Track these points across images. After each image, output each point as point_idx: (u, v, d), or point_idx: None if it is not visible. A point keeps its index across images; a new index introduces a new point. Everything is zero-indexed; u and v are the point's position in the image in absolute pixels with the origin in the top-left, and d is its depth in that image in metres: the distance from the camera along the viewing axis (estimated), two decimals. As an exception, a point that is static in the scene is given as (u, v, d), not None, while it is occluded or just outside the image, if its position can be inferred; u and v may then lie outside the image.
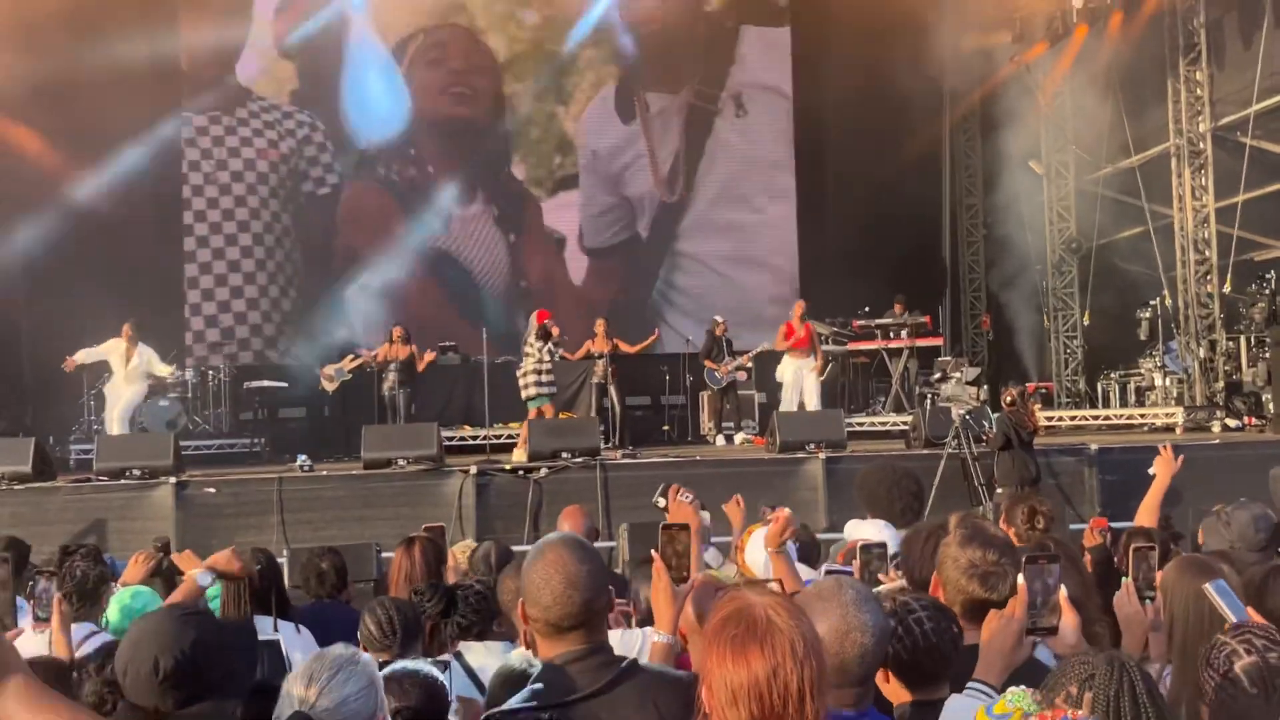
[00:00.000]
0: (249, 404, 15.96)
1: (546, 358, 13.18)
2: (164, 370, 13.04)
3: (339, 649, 2.41)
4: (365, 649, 3.70)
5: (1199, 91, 15.77)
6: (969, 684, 2.52)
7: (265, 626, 4.28)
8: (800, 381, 14.21)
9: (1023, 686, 2.06)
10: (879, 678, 2.65)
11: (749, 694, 1.80)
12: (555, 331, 13.29)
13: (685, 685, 2.38)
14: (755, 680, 1.81)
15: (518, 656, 3.21)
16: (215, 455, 14.21)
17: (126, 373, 12.63)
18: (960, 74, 18.18)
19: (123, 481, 10.92)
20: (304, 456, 11.95)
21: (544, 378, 13.19)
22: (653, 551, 2.94)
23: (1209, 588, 2.89)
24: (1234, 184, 14.86)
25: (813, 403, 14.00)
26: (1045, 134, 18.37)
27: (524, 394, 13.21)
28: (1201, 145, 15.79)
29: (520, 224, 18.45)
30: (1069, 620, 2.65)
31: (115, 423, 12.63)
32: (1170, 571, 3.35)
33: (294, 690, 2.30)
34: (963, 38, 17.32)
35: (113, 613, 4.60)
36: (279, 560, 5.35)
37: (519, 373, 13.37)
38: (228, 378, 15.83)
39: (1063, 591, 2.64)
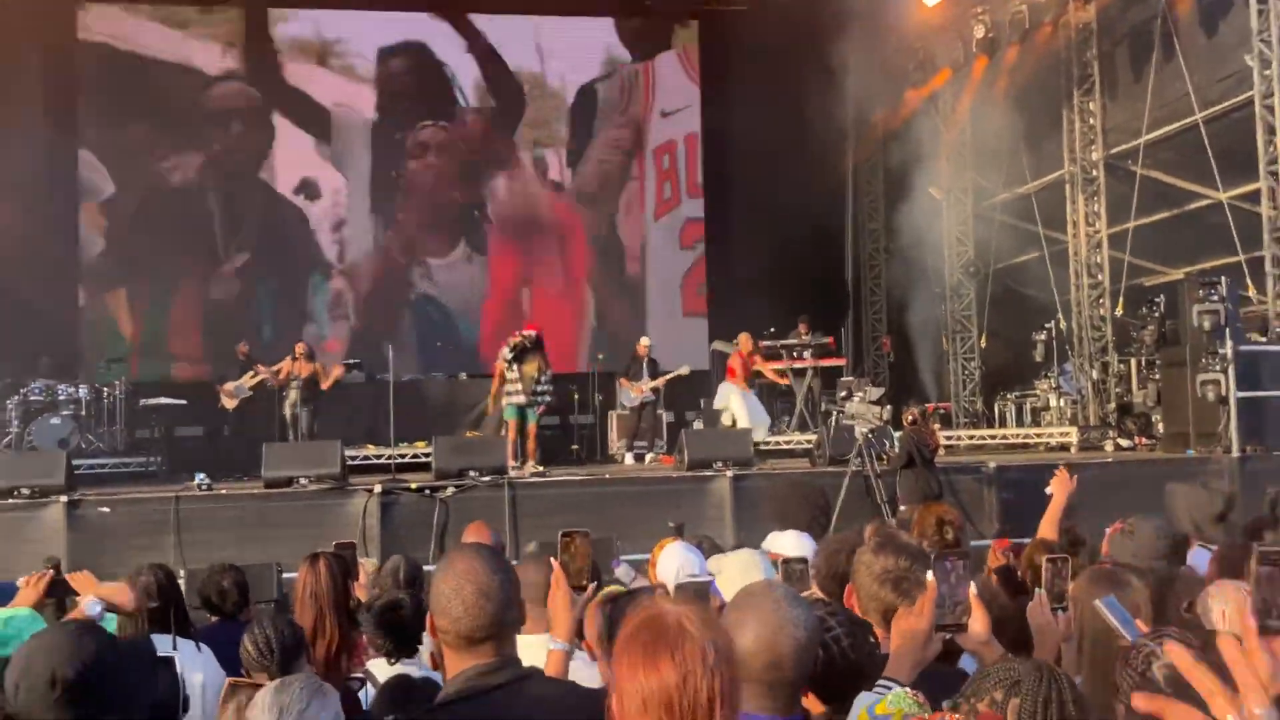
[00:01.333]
0: (145, 421, 15.54)
1: (509, 366, 12.99)
2: None
3: (303, 679, 2.33)
4: (245, 670, 3.65)
5: (1092, 121, 16.29)
6: (878, 682, 2.53)
7: (164, 645, 4.15)
8: (748, 402, 14.70)
9: (906, 689, 2.07)
10: None
11: (659, 702, 1.78)
12: (513, 341, 13.04)
13: (593, 697, 2.37)
14: (665, 688, 1.78)
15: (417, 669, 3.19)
16: (110, 474, 13.80)
17: None
18: (865, 100, 18.56)
19: (11, 501, 10.53)
20: (202, 475, 11.67)
21: (509, 388, 13.02)
22: (551, 559, 2.93)
23: (1100, 604, 2.94)
24: (1125, 211, 15.36)
25: (744, 420, 14.29)
26: (946, 160, 18.79)
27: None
28: (1095, 173, 16.29)
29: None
30: (978, 617, 2.67)
31: None
32: (1081, 583, 3.41)
33: None
34: (868, 64, 17.69)
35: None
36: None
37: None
38: (123, 394, 15.40)
39: (972, 589, 2.66)
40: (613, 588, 3.37)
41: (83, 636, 2.52)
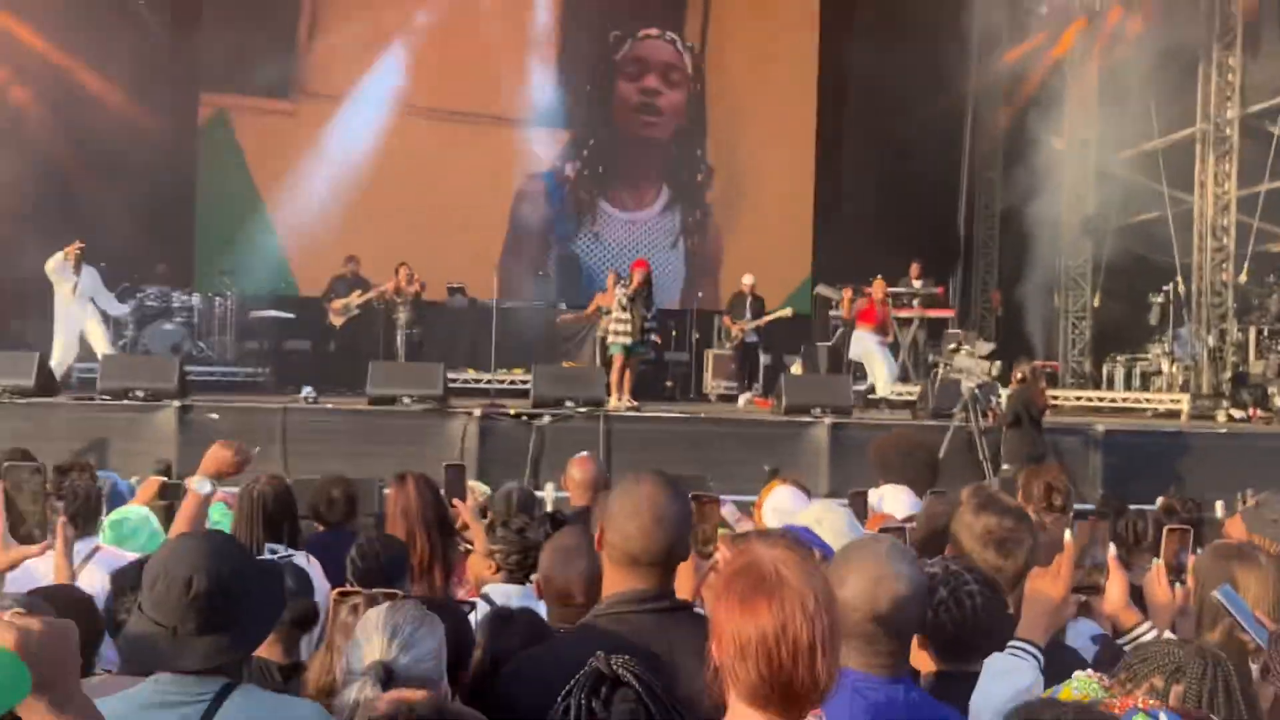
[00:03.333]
0: (254, 333, 15.88)
1: (624, 308, 12.78)
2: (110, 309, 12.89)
3: (414, 604, 2.37)
4: (350, 580, 3.70)
5: (1230, 77, 15.60)
6: (1011, 643, 2.48)
7: (275, 553, 4.26)
8: (883, 354, 14.08)
9: (1089, 672, 1.99)
10: (916, 645, 2.61)
11: (757, 649, 1.77)
12: (635, 282, 12.73)
13: None
14: (764, 635, 1.77)
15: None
16: (218, 382, 14.16)
17: (74, 295, 12.30)
18: (990, 43, 18.01)
19: (125, 402, 10.87)
20: (309, 388, 11.90)
21: (617, 325, 12.84)
22: None
23: (1217, 594, 2.84)
24: (1258, 173, 14.75)
25: (883, 382, 13.82)
26: (1071, 110, 18.17)
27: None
28: (1228, 132, 15.63)
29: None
30: (1117, 581, 2.59)
31: (64, 349, 12.30)
32: (1204, 557, 3.31)
33: (375, 640, 2.25)
34: (995, 4, 17.16)
35: (109, 530, 4.60)
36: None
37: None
38: (234, 305, 15.74)
39: (1111, 550, 2.58)
40: (726, 531, 3.33)
41: (225, 549, 2.58)
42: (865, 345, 13.97)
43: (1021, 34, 17.82)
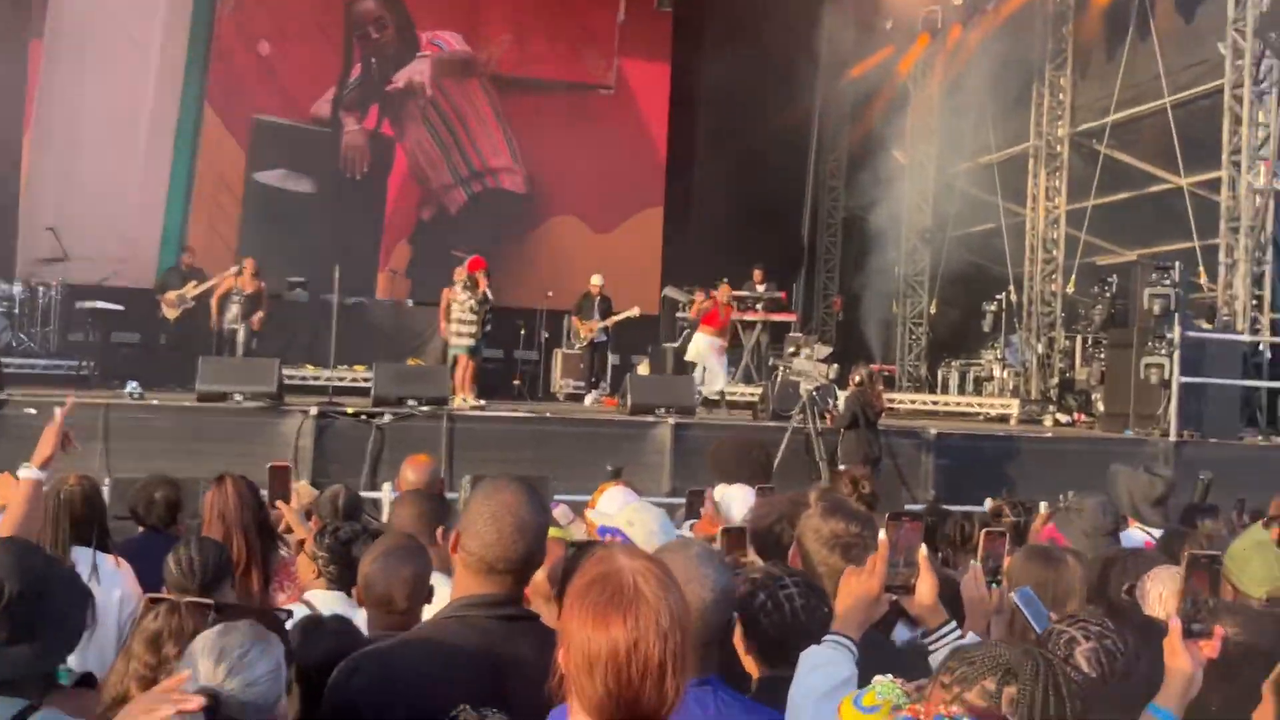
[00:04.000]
0: (80, 324, 15.16)
1: (469, 308, 12.66)
2: None
3: (247, 625, 2.25)
4: (168, 589, 3.54)
5: (1061, 96, 16.27)
6: (826, 636, 2.50)
7: (83, 558, 4.03)
8: (717, 358, 13.99)
9: (889, 677, 1.99)
10: (740, 648, 2.62)
11: (607, 663, 1.71)
12: (482, 283, 12.66)
13: None
14: (615, 650, 1.71)
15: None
16: (40, 375, 13.47)
17: None
18: (835, 57, 18.42)
19: (-66, 396, 10.26)
20: (135, 383, 11.40)
21: (463, 329, 12.69)
22: None
23: (1014, 597, 2.93)
24: (1086, 189, 15.40)
25: (719, 383, 13.79)
26: (912, 125, 18.71)
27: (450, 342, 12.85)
28: (1059, 148, 16.30)
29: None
30: (927, 580, 2.64)
31: None
32: (1017, 559, 3.43)
33: (200, 665, 2.13)
34: (841, 21, 17.57)
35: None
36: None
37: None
38: (59, 295, 15.00)
39: (923, 552, 2.63)
40: (557, 531, 3.28)
41: (30, 555, 2.47)
42: (700, 347, 14.04)
43: (867, 48, 18.25)
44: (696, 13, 18.53)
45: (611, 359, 15.52)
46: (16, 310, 14.46)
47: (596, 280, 15.06)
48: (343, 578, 3.77)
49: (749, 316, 16.27)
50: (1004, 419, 14.86)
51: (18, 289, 14.52)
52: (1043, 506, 8.04)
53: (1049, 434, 13.44)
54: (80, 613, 2.53)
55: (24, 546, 2.57)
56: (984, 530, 3.38)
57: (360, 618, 3.22)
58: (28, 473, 3.72)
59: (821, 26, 18.39)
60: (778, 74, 16.77)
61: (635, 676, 1.71)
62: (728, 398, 13.94)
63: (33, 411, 10.24)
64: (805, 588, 2.66)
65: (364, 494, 9.51)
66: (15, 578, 2.32)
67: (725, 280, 14.53)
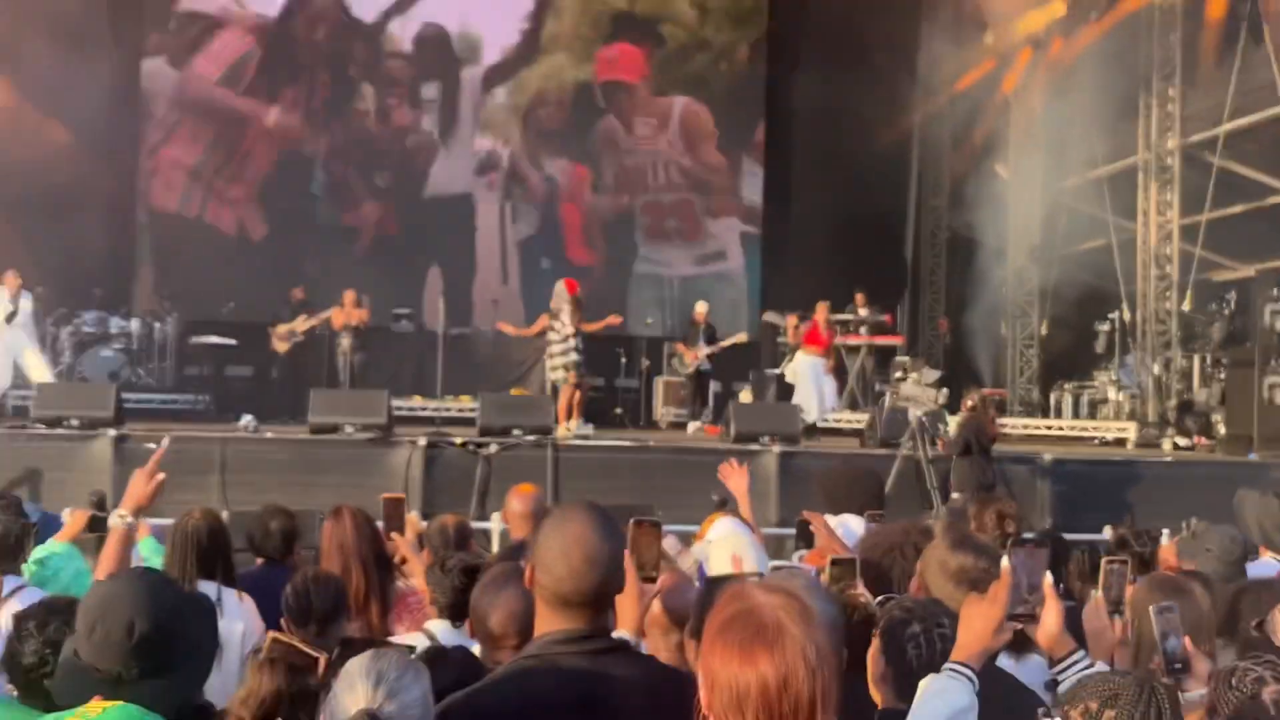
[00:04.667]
0: (195, 359, 15.61)
1: (564, 338, 12.50)
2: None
3: (395, 652, 2.31)
4: (285, 616, 3.65)
5: (1170, 108, 15.82)
6: (947, 665, 2.45)
7: (208, 592, 4.12)
8: (819, 380, 13.84)
9: None
10: (872, 673, 2.61)
11: (757, 700, 1.71)
12: (571, 305, 12.44)
13: (682, 681, 2.27)
14: (765, 686, 1.71)
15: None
16: (157, 410, 13.89)
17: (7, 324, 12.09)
18: (936, 73, 18.21)
19: (60, 431, 10.61)
20: (249, 416, 11.69)
21: (555, 349, 12.59)
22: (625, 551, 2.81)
23: (1152, 610, 2.89)
24: (1199, 202, 14.95)
25: (831, 403, 13.66)
26: (1016, 139, 18.38)
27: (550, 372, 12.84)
28: (1169, 161, 15.84)
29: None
30: (1052, 609, 2.58)
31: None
32: (1141, 589, 3.35)
33: (358, 688, 2.18)
34: (941, 36, 17.39)
35: (30, 566, 4.43)
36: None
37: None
38: (174, 331, 15.48)
39: (1047, 579, 2.57)
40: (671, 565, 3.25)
41: (160, 588, 2.52)
42: (802, 367, 13.91)
43: (968, 64, 18.00)
44: (792, 31, 18.47)
45: (714, 386, 15.46)
46: (134, 346, 14.92)
47: (701, 308, 15.06)
48: (454, 609, 3.79)
49: (853, 341, 16.10)
50: (1121, 443, 14.45)
51: (135, 325, 15.00)
52: (1165, 534, 7.81)
53: (1168, 458, 13.02)
54: (212, 643, 2.60)
55: (157, 579, 2.63)
56: (1104, 560, 3.31)
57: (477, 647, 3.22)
58: (118, 520, 3.71)
59: (920, 42, 18.24)
60: (876, 91, 16.58)
61: (787, 713, 1.70)
62: (833, 423, 13.78)
63: (152, 446, 10.53)
64: (953, 627, 2.61)
65: (474, 524, 9.64)
66: (149, 613, 2.37)
67: (825, 301, 14.37)
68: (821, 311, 14.12)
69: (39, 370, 12.23)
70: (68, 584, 4.31)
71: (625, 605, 2.70)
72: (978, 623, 2.48)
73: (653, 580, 2.77)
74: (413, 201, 17.96)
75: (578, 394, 12.67)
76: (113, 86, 16.11)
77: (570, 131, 18.56)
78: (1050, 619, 2.61)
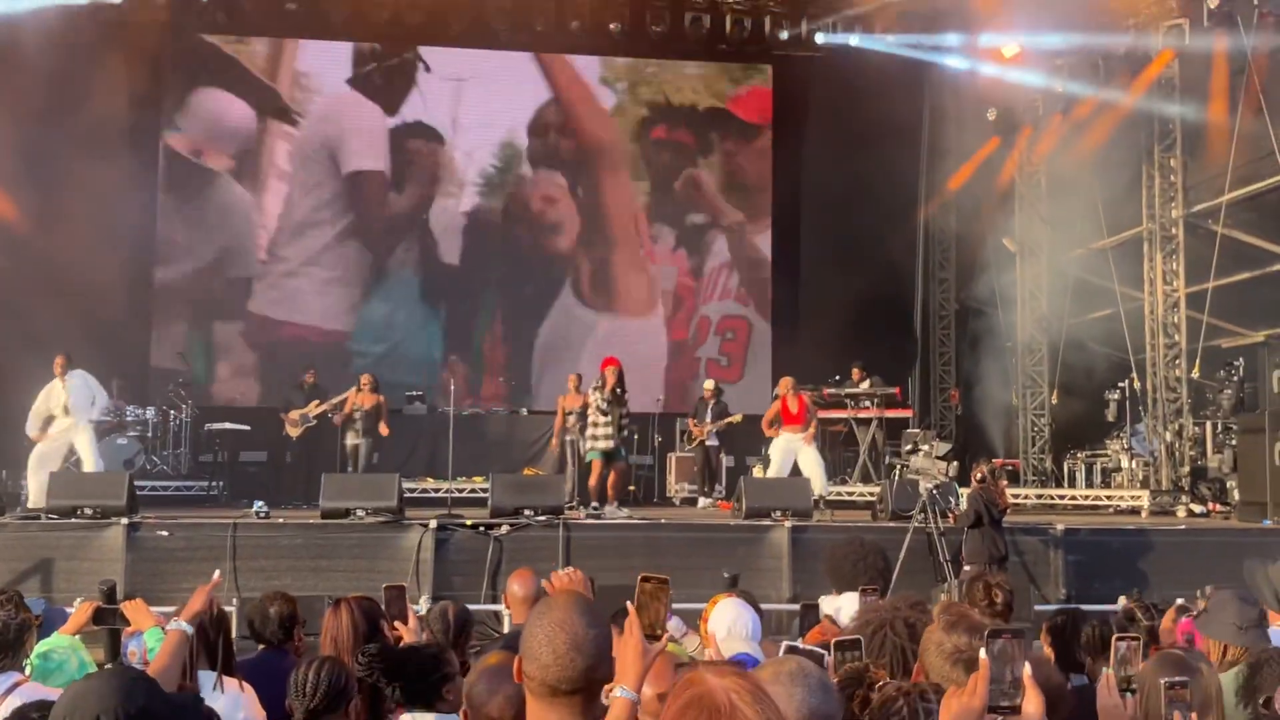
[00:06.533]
0: (210, 446, 15.70)
1: (604, 412, 12.66)
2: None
3: None
4: (289, 705, 3.62)
5: (1172, 178, 15.95)
6: None
7: (207, 682, 4.12)
8: (793, 454, 13.44)
9: None
10: None
11: None
12: (610, 381, 12.65)
13: None
14: None
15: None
16: (172, 497, 13.95)
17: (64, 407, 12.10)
18: (939, 148, 18.43)
19: (73, 520, 10.65)
20: (260, 503, 11.72)
21: (598, 430, 12.73)
22: (628, 603, 2.82)
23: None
24: (1204, 270, 14.99)
25: (814, 474, 13.18)
26: (1021, 212, 18.53)
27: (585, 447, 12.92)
28: (1174, 231, 15.94)
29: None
30: (1032, 699, 2.55)
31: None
32: (1150, 666, 3.31)
33: None
34: (944, 113, 17.62)
35: (33, 661, 4.46)
36: (228, 608, 5.17)
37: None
38: (189, 418, 15.59)
39: (1027, 669, 2.54)
40: (673, 647, 3.26)
41: (133, 684, 2.50)
42: (776, 444, 13.58)
43: (971, 139, 18.22)
44: (796, 110, 18.75)
45: (726, 461, 15.46)
46: (150, 434, 15.03)
47: (709, 385, 15.17)
48: (409, 697, 3.76)
49: (863, 414, 16.11)
50: (1135, 511, 14.36)
51: (150, 413, 15.11)
52: (1179, 603, 7.77)
53: (1182, 525, 12.93)
54: None
55: (133, 677, 2.60)
56: (1115, 636, 3.29)
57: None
58: (177, 625, 3.93)
59: (923, 117, 18.48)
60: (880, 166, 16.78)
61: None
62: (845, 496, 13.70)
63: (164, 534, 10.59)
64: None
65: (485, 606, 9.61)
66: (117, 712, 2.36)
67: (787, 378, 14.02)
68: (783, 385, 13.86)
69: (88, 459, 12.23)
70: (71, 678, 4.32)
71: (627, 658, 2.68)
72: (959, 716, 2.45)
73: (657, 638, 2.76)
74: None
75: (614, 475, 12.72)
76: (131, 179, 16.40)
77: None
78: (1031, 709, 2.52)
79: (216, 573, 4.81)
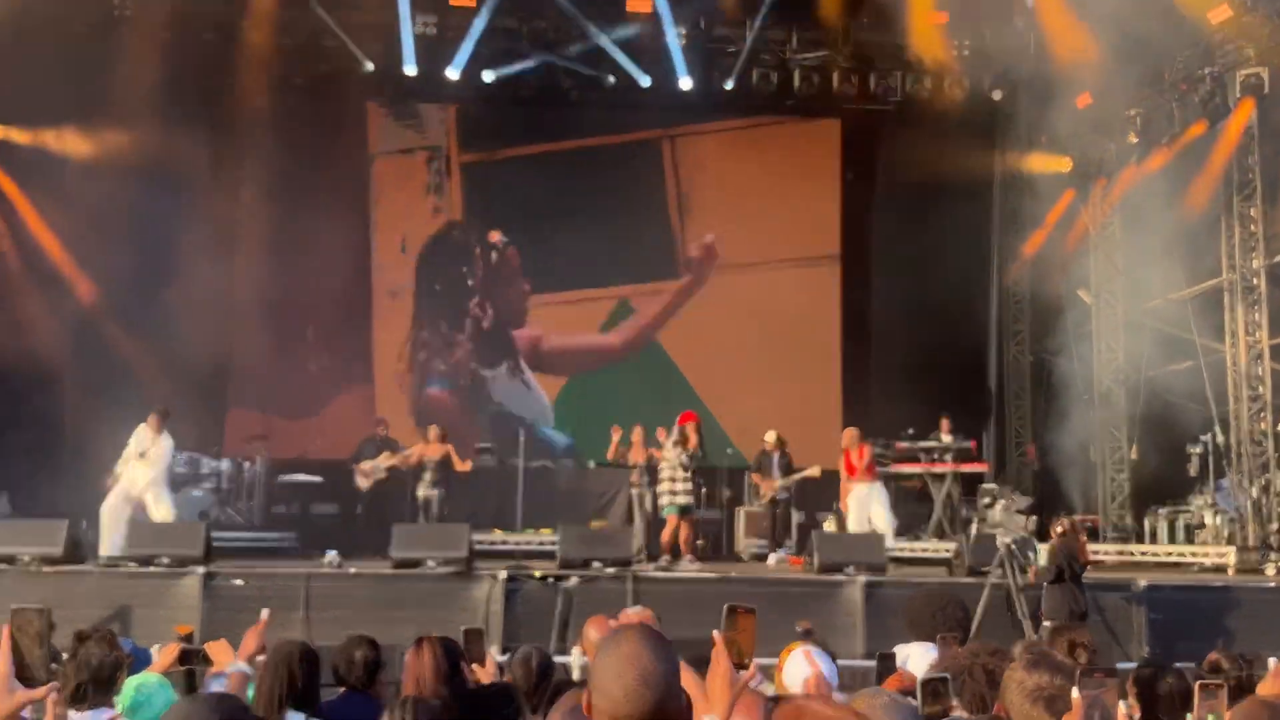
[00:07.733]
0: (282, 498, 15.89)
1: (685, 468, 12.84)
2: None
3: None
4: None
5: (1253, 228, 15.65)
6: None
7: (294, 721, 4.19)
8: (868, 506, 13.68)
9: None
10: None
11: None
12: (692, 439, 12.92)
13: None
14: None
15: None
16: (246, 548, 14.08)
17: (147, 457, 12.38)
18: (1012, 199, 18.30)
19: (151, 569, 10.83)
20: (334, 552, 11.82)
21: (678, 486, 12.87)
22: (715, 633, 2.78)
23: None
24: (1290, 321, 14.66)
25: (883, 525, 13.41)
26: (1095, 263, 18.29)
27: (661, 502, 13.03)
28: (1255, 281, 15.60)
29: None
30: None
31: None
32: (1238, 713, 3.21)
33: None
34: (1017, 163, 17.51)
35: (124, 699, 4.52)
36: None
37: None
38: (262, 470, 15.80)
39: (1121, 709, 2.50)
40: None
41: (220, 708, 2.58)
42: (853, 501, 13.82)
43: (1045, 191, 18.07)
44: (865, 166, 18.74)
45: (796, 516, 15.28)
46: (224, 486, 15.25)
47: (770, 437, 14.91)
48: None
49: (938, 469, 15.88)
50: (1221, 569, 13.95)
51: (225, 465, 15.34)
52: (1271, 662, 7.50)
53: (1272, 583, 12.53)
54: None
55: (219, 702, 2.70)
56: (1198, 683, 3.20)
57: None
58: (237, 667, 4.15)
59: (994, 170, 18.38)
60: (951, 219, 16.71)
61: None
62: (920, 553, 13.51)
63: (239, 583, 10.71)
64: None
65: (555, 658, 9.56)
66: None
67: (851, 429, 14.34)
68: (846, 437, 14.11)
69: (163, 510, 12.42)
70: (158, 714, 4.38)
71: (716, 688, 2.64)
72: None
73: (745, 667, 2.72)
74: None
75: (685, 530, 12.71)
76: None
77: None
78: None
79: (265, 612, 4.90)
